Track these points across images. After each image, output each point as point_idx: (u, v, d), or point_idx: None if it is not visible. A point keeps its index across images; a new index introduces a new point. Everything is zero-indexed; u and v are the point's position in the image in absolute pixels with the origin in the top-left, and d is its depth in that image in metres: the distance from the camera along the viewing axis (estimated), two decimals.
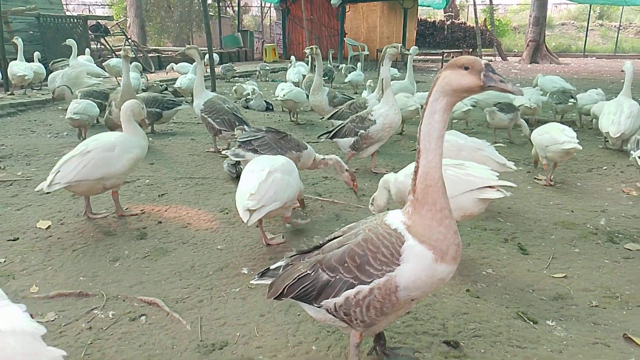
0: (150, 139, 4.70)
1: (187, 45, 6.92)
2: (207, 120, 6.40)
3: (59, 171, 3.86)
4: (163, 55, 20.34)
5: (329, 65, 15.75)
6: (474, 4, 26.69)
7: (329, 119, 7.18)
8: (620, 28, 33.86)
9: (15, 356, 1.61)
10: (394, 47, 5.79)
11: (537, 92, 8.52)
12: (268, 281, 2.36)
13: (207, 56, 11.28)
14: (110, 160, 4.03)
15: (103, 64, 13.35)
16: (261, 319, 2.84)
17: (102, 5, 34.48)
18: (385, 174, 3.84)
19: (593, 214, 4.56)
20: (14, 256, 3.57)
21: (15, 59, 10.95)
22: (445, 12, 32.78)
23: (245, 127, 5.66)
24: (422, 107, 8.16)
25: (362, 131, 5.55)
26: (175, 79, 11.16)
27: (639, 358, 2.51)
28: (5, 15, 12.85)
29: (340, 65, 16.48)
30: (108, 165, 4.01)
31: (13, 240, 3.83)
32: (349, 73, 13.58)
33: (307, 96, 8.65)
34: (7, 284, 3.18)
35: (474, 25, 26.86)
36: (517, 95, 1.94)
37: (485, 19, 30.36)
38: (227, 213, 4.47)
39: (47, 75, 10.47)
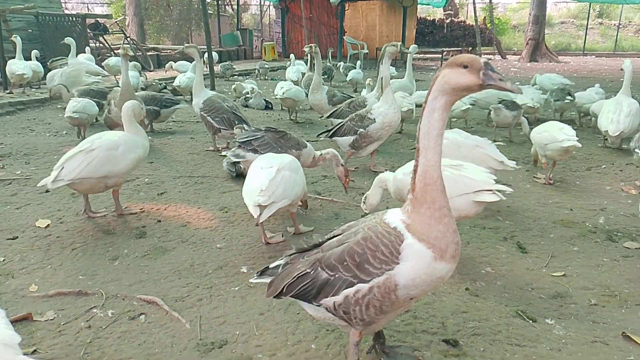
0: (149, 137, 4.70)
1: (186, 44, 6.91)
2: (207, 118, 6.40)
3: (63, 167, 3.86)
4: (162, 53, 20.29)
5: (328, 63, 15.74)
6: (474, 3, 26.62)
7: (328, 117, 7.18)
8: (620, 26, 33.81)
9: None
10: (394, 45, 5.79)
11: (538, 91, 8.52)
12: (267, 280, 2.36)
13: (206, 55, 11.26)
14: (114, 159, 4.04)
15: (102, 63, 13.33)
16: (260, 318, 2.84)
17: (101, 3, 34.38)
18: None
19: (592, 212, 4.56)
20: (13, 255, 3.58)
21: (14, 57, 10.93)
22: (444, 11, 32.72)
23: (245, 125, 5.66)
24: (417, 107, 8.15)
25: (361, 130, 5.55)
26: (174, 78, 11.13)
27: (637, 356, 2.52)
28: (4, 13, 12.84)
29: (339, 64, 16.45)
30: (112, 164, 4.02)
31: (12, 239, 3.83)
32: (348, 71, 13.57)
33: (307, 95, 8.64)
34: (6, 283, 3.19)
35: (474, 24, 26.83)
36: (516, 93, 1.93)
37: (484, 17, 30.28)
38: (226, 212, 4.47)
39: (46, 73, 10.45)
